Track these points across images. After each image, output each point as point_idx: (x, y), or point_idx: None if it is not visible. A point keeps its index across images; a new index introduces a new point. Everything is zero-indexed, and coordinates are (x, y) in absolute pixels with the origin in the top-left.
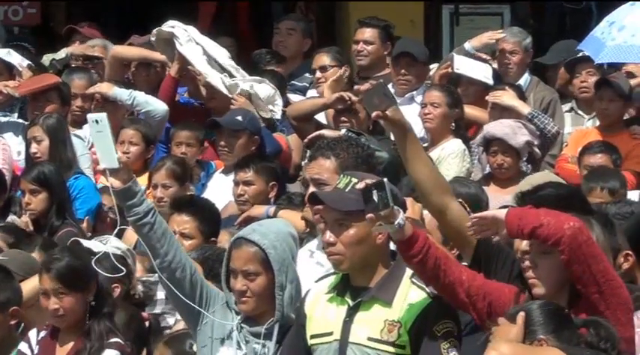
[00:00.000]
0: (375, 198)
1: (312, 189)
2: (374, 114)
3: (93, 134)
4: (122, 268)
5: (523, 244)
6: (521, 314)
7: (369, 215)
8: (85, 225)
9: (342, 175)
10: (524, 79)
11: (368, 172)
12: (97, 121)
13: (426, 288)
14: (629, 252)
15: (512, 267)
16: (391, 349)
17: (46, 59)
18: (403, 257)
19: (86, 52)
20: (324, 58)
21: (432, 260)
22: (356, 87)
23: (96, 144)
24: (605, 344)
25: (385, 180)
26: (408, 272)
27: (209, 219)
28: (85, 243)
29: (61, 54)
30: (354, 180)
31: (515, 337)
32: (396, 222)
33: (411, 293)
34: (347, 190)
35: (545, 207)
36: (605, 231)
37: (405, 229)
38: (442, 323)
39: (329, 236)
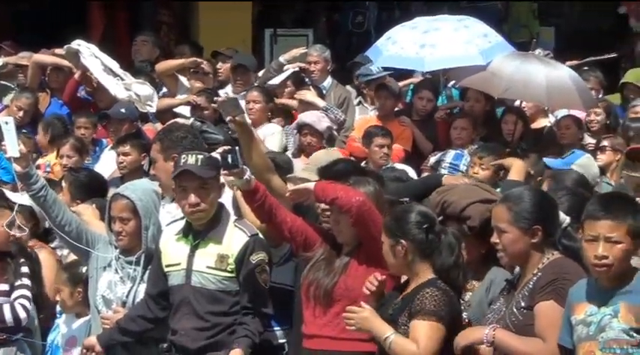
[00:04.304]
0: (230, 160)
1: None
2: (228, 118)
3: (4, 131)
4: (25, 228)
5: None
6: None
7: (225, 172)
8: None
9: (185, 154)
10: (327, 82)
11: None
12: (6, 123)
13: (246, 230)
14: None
15: (316, 221)
16: (223, 273)
17: None
18: (248, 202)
19: (18, 61)
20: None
21: (267, 205)
22: (215, 98)
23: (5, 139)
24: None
25: (237, 147)
26: (232, 218)
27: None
28: (9, 194)
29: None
30: (200, 156)
31: None
32: (244, 177)
33: (235, 234)
34: (199, 164)
35: (339, 176)
36: (379, 186)
37: (251, 182)
38: (256, 254)
39: (194, 198)
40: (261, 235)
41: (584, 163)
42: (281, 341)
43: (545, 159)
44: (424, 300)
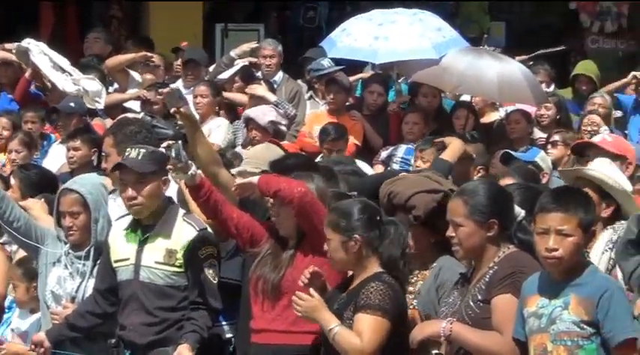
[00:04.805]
0: (173, 154)
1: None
2: (172, 110)
3: None
4: None
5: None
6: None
7: (169, 166)
8: None
9: (129, 148)
10: (279, 76)
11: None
12: None
13: (194, 225)
14: None
15: (264, 215)
16: (172, 268)
17: None
18: (193, 197)
19: None
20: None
21: (212, 200)
22: (160, 90)
23: None
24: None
25: (179, 142)
26: (181, 212)
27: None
28: None
29: None
30: (142, 150)
31: None
32: (189, 172)
33: (183, 229)
34: (139, 158)
35: (288, 170)
36: (326, 181)
37: (196, 177)
38: (204, 248)
39: (131, 192)
40: (210, 229)
41: (545, 157)
42: (228, 335)
43: (513, 152)
44: (369, 295)
